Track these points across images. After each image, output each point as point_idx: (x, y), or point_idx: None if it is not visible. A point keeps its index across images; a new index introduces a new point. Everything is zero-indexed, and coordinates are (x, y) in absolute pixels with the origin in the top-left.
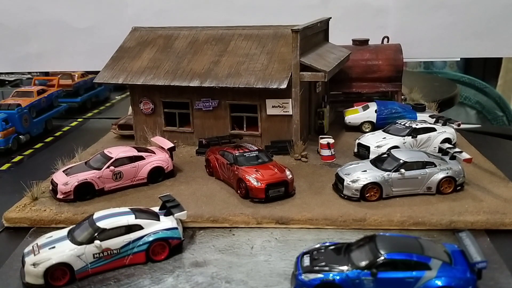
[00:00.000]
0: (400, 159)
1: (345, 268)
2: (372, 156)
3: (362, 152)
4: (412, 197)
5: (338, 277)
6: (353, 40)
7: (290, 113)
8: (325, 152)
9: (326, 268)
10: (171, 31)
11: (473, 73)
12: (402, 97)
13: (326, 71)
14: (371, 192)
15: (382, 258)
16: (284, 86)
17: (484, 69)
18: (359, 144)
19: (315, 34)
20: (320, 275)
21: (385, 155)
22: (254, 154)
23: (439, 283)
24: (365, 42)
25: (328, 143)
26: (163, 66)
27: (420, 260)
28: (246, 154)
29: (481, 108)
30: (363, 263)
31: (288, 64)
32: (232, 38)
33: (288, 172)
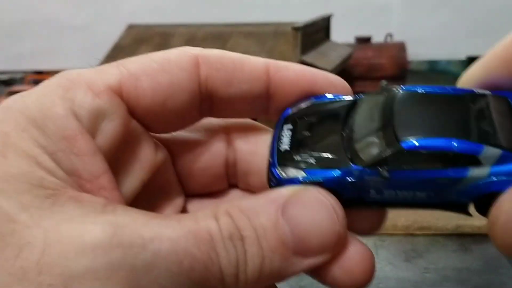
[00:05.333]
0: None
1: (338, 161)
2: None
3: None
4: None
5: (327, 177)
6: (356, 38)
7: None
8: None
9: (312, 161)
10: (168, 28)
11: None
12: None
13: (328, 70)
14: None
15: (397, 149)
16: None
17: None
18: None
19: (317, 32)
20: (301, 174)
21: None
22: None
23: (494, 187)
24: (368, 40)
25: None
26: None
27: (464, 150)
28: None
29: None
30: (368, 156)
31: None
32: (231, 36)
33: None
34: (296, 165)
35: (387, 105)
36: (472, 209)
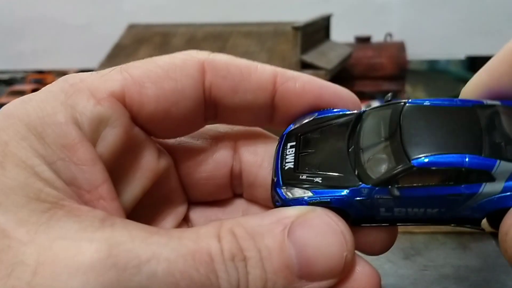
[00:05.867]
0: None
1: (346, 180)
2: None
3: None
4: None
5: (335, 197)
6: (356, 38)
7: None
8: None
9: (318, 180)
10: (168, 28)
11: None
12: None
13: (328, 69)
14: None
15: (408, 167)
16: None
17: None
18: None
19: (316, 31)
20: (308, 194)
21: None
22: None
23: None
24: (367, 39)
25: None
26: None
27: (477, 166)
28: None
29: None
30: (378, 174)
31: (289, 62)
32: (231, 35)
33: None
34: (302, 184)
35: (394, 119)
36: (483, 222)
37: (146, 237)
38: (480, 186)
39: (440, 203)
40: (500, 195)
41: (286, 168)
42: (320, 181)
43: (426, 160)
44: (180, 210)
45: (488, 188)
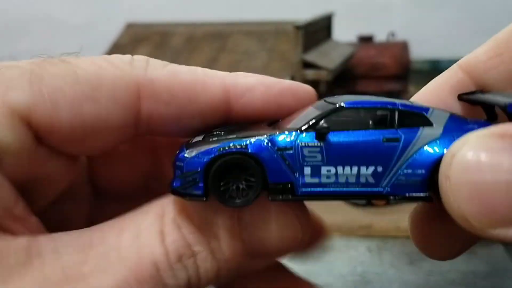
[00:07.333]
0: None
1: (267, 133)
2: None
3: None
4: None
5: (252, 144)
6: (358, 37)
7: None
8: None
9: (232, 136)
10: (167, 27)
11: None
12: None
13: (330, 69)
14: None
15: (337, 107)
16: None
17: None
18: None
19: (318, 30)
20: (216, 144)
21: None
22: None
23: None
24: (370, 38)
25: None
26: None
27: (410, 108)
28: None
29: None
30: (303, 122)
31: (290, 62)
32: (231, 35)
33: None
34: (213, 140)
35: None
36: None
37: (80, 262)
38: (417, 130)
39: (375, 155)
40: (440, 139)
41: (192, 141)
42: (235, 136)
43: (359, 102)
44: (85, 207)
45: (426, 132)
